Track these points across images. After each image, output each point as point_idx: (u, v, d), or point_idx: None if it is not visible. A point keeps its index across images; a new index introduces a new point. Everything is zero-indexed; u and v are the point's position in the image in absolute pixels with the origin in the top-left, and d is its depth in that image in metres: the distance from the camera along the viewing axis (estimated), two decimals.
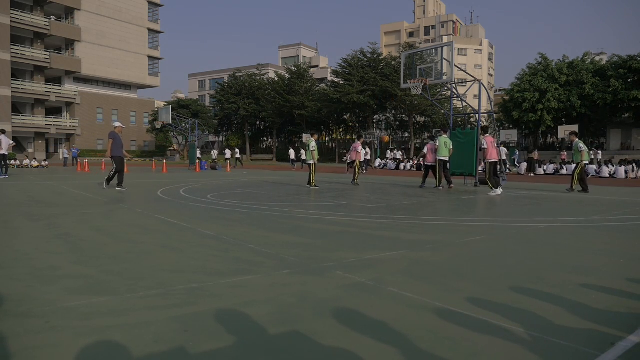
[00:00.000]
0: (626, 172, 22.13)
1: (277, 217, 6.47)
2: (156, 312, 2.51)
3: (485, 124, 17.97)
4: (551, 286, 3.11)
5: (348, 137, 53.52)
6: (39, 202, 8.24)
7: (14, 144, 25.71)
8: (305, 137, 36.63)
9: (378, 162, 36.94)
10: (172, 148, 55.24)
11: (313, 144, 12.58)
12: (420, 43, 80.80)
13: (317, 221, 6.13)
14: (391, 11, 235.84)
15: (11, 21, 41.22)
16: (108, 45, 51.07)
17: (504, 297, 2.84)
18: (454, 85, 15.21)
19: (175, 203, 8.31)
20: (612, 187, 14.78)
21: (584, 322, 2.41)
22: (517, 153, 32.49)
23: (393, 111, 50.69)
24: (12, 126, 41.40)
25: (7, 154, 16.53)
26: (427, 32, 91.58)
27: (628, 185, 16.32)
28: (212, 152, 34.02)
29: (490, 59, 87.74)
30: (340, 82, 47.59)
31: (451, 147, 12.58)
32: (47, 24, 44.78)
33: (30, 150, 45.26)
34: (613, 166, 23.71)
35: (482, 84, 14.74)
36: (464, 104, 16.52)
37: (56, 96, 46.83)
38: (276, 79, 55.55)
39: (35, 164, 30.83)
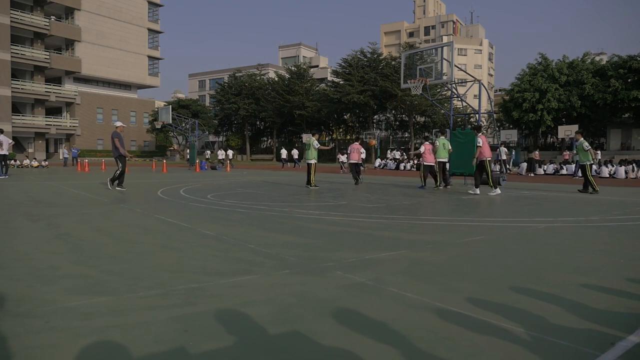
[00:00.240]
0: (626, 172, 22.13)
1: (277, 217, 6.47)
2: (156, 312, 2.51)
3: (482, 123, 17.96)
4: (551, 286, 3.10)
5: (348, 137, 53.54)
6: (39, 202, 8.24)
7: (14, 142, 25.72)
8: (305, 137, 36.63)
9: (378, 162, 36.94)
10: (172, 148, 55.26)
11: (316, 143, 12.65)
12: (420, 43, 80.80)
13: (317, 221, 6.13)
14: (391, 11, 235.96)
15: (11, 21, 41.22)
16: (108, 45, 51.07)
17: (504, 297, 2.84)
18: (454, 85, 15.22)
19: (175, 203, 8.31)
20: (612, 187, 14.78)
21: (584, 322, 2.41)
22: (513, 153, 32.39)
23: (393, 111, 50.72)
24: (12, 126, 41.40)
25: (7, 154, 16.54)
26: (427, 32, 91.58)
27: (628, 185, 16.32)
28: (206, 152, 34.28)
29: (490, 59, 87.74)
30: (340, 82, 47.62)
31: (450, 148, 12.68)
32: (47, 24, 44.79)
33: (30, 150, 45.26)
34: (613, 166, 23.71)
35: (482, 84, 14.75)
36: (464, 104, 16.53)
37: (56, 96, 46.84)
38: (276, 79, 55.57)
39: (35, 164, 30.83)
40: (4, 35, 40.37)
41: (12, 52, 41.56)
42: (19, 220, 5.98)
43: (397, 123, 53.09)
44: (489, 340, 2.17)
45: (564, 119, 41.88)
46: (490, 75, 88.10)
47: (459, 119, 28.16)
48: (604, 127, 43.45)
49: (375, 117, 50.84)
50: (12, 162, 29.59)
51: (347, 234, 5.12)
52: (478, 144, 10.82)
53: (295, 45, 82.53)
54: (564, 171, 24.57)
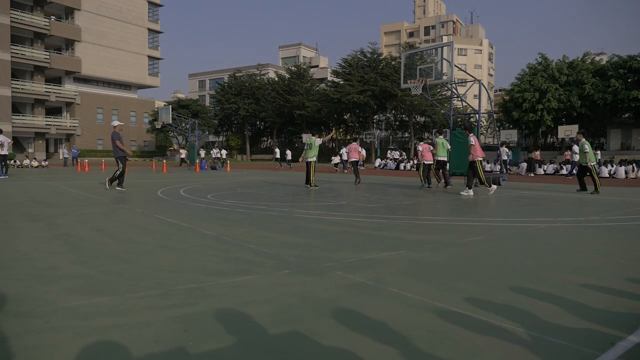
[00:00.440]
0: (626, 172, 22.13)
1: (277, 217, 6.47)
2: (156, 312, 2.51)
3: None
4: (551, 286, 3.10)
5: (348, 137, 53.57)
6: (39, 202, 8.24)
7: (12, 141, 25.75)
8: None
9: (378, 162, 36.95)
10: (172, 148, 55.27)
11: (318, 141, 12.67)
12: (420, 43, 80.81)
13: (317, 221, 6.13)
14: (391, 11, 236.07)
15: (11, 21, 41.21)
16: (108, 45, 51.08)
17: (504, 297, 2.84)
18: (454, 85, 15.21)
19: (175, 203, 8.31)
20: (612, 187, 14.77)
21: (584, 322, 2.41)
22: (511, 153, 32.16)
23: (393, 111, 50.72)
24: (12, 126, 41.40)
25: (7, 154, 16.54)
26: (427, 32, 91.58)
27: (628, 185, 16.32)
28: (200, 152, 34.67)
29: (490, 59, 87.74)
30: (340, 82, 47.62)
31: (449, 147, 12.87)
32: (47, 24, 44.78)
33: (30, 150, 45.26)
34: (613, 166, 23.71)
35: (482, 84, 14.74)
36: (464, 104, 16.52)
37: (56, 96, 46.83)
38: (276, 79, 55.57)
39: (35, 164, 30.83)
40: (4, 35, 40.37)
41: (12, 52, 41.56)
42: (19, 220, 5.98)
43: (397, 123, 53.08)
44: (489, 340, 2.17)
45: (564, 119, 41.90)
46: (490, 75, 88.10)
47: (459, 119, 28.15)
48: (604, 127, 43.47)
49: (375, 117, 50.83)
50: (12, 162, 29.59)
51: (347, 234, 5.12)
52: (471, 143, 10.86)
53: (295, 45, 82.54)
54: (563, 171, 24.57)
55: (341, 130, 55.38)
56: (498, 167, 26.48)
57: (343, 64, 47.25)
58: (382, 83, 42.31)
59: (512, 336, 2.22)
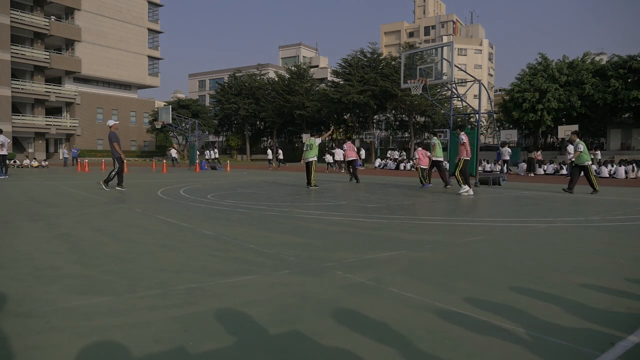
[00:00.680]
0: (626, 172, 22.12)
1: (277, 217, 6.47)
2: (156, 312, 2.51)
3: (481, 123, 17.91)
4: (551, 286, 3.10)
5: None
6: (39, 202, 8.24)
7: (10, 141, 25.75)
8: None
9: (378, 162, 36.94)
10: (170, 149, 55.31)
11: (319, 140, 12.72)
12: (420, 43, 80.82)
13: (317, 221, 6.13)
14: (391, 11, 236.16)
15: (11, 21, 41.23)
16: (108, 45, 51.10)
17: (504, 297, 2.84)
18: (454, 85, 15.21)
19: (175, 203, 8.31)
20: (612, 187, 14.77)
21: (583, 322, 2.41)
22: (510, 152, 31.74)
23: (393, 111, 50.70)
24: (12, 126, 41.42)
25: (7, 154, 16.54)
26: (427, 32, 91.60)
27: (628, 185, 16.31)
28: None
29: (490, 59, 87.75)
30: (340, 82, 47.61)
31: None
32: (47, 24, 44.80)
33: (30, 150, 45.28)
34: (613, 166, 23.71)
35: (482, 84, 14.74)
36: (464, 104, 16.52)
37: (56, 96, 46.85)
38: (276, 79, 55.55)
39: (35, 164, 30.83)
40: (4, 35, 40.38)
41: (12, 52, 41.57)
42: (19, 220, 5.98)
43: (397, 123, 53.08)
44: (489, 340, 2.17)
45: (564, 119, 41.90)
46: (490, 75, 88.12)
47: (459, 119, 28.16)
48: (604, 127, 43.48)
49: (375, 117, 50.82)
50: (12, 162, 29.58)
51: (347, 234, 5.12)
52: (462, 141, 10.87)
53: (295, 45, 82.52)
54: (563, 171, 24.55)
55: (341, 130, 55.38)
56: (498, 167, 26.50)
57: (343, 64, 47.25)
58: (382, 83, 42.31)
59: (512, 336, 2.22)
